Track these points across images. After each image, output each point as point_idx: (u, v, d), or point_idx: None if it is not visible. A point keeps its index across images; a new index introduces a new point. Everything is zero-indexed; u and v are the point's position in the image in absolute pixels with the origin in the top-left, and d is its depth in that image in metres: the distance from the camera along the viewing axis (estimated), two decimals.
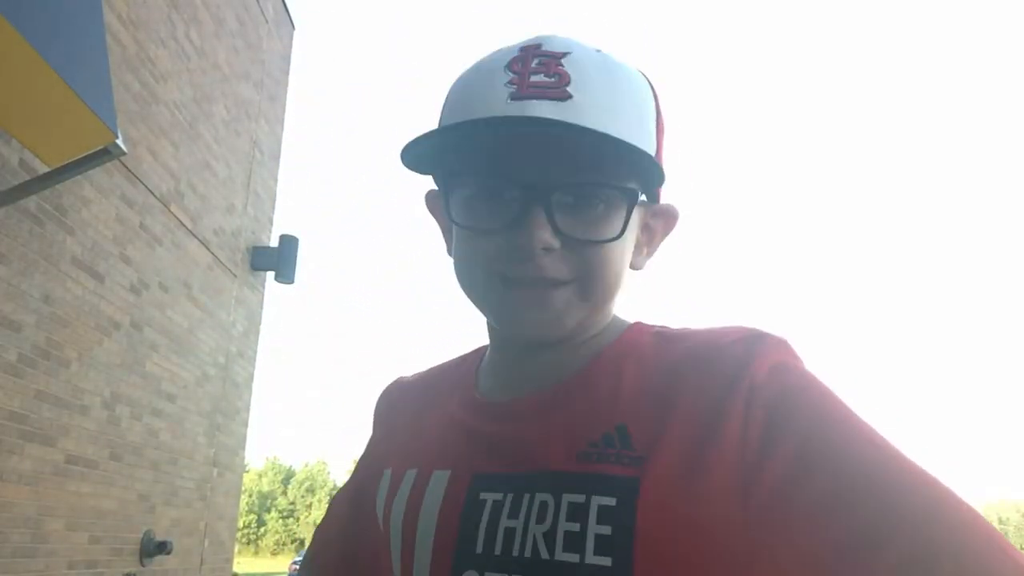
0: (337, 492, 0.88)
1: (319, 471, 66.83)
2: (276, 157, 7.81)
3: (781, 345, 0.63)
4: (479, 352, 0.80)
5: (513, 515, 0.61)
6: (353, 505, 0.83)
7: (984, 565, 0.49)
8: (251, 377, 7.20)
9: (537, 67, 0.63)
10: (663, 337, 0.68)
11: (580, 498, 0.58)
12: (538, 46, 0.64)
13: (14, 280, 3.69)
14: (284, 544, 63.30)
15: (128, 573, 4.82)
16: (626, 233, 0.64)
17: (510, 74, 0.63)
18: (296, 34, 8.37)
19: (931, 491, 0.53)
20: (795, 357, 0.63)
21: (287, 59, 8.13)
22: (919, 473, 0.54)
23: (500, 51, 0.67)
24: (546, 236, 0.62)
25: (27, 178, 3.66)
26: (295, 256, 7.28)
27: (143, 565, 5.01)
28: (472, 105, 0.63)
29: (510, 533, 0.61)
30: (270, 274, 7.44)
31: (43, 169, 3.65)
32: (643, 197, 0.67)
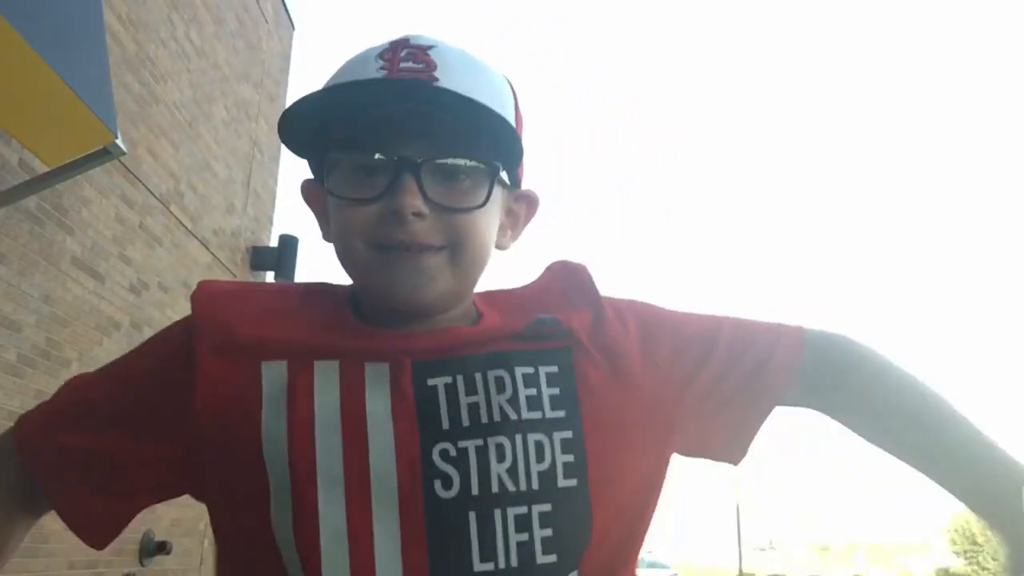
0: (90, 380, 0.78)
1: None
2: (276, 157, 7.81)
3: (584, 270, 0.81)
4: (342, 290, 0.77)
5: (471, 392, 0.68)
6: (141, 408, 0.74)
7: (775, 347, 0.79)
8: None
9: (406, 56, 0.68)
10: (517, 290, 0.81)
11: (530, 369, 0.69)
12: (406, 40, 0.70)
13: (14, 280, 3.69)
14: None
15: (128, 573, 4.82)
16: (489, 205, 0.70)
17: (381, 62, 0.68)
18: (296, 34, 8.37)
19: (742, 319, 0.81)
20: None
21: (287, 59, 8.13)
22: (729, 317, 0.82)
23: (370, 48, 0.71)
24: (417, 203, 0.66)
25: (27, 178, 3.66)
26: (295, 256, 7.28)
27: (143, 565, 5.01)
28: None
29: (474, 407, 0.67)
30: (270, 274, 7.44)
31: (43, 169, 3.65)
32: (504, 175, 0.72)
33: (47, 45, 2.86)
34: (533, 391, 0.68)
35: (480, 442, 0.66)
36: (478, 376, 0.68)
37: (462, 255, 0.70)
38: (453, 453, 0.65)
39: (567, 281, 0.79)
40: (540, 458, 0.67)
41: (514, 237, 0.78)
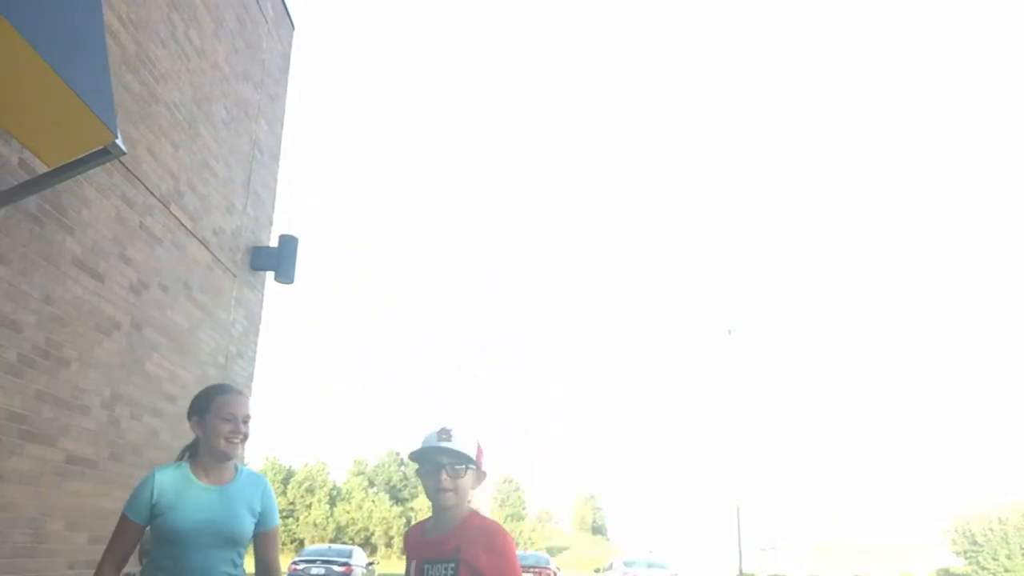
0: None
1: (319, 471, 66.63)
2: (276, 156, 7.80)
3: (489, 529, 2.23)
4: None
5: (434, 571, 2.18)
6: None
7: None
8: (251, 377, 7.20)
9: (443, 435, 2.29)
10: (473, 517, 2.26)
11: (449, 567, 2.15)
12: (448, 431, 2.27)
13: (14, 280, 3.69)
14: (284, 544, 63.27)
15: (128, 573, 4.81)
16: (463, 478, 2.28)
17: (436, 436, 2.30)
18: (296, 34, 8.37)
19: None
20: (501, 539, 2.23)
21: (287, 59, 8.13)
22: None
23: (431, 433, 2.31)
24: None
25: (27, 178, 3.66)
26: (295, 256, 7.27)
27: (143, 565, 5.01)
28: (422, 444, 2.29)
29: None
30: (270, 274, 7.43)
31: (43, 169, 3.65)
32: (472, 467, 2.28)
33: (47, 45, 2.86)
34: (447, 571, 2.14)
35: None
36: (439, 566, 2.15)
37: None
38: None
39: (473, 535, 2.17)
40: None
41: (476, 484, 2.35)
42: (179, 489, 2.56)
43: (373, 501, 64.70)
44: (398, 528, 62.54)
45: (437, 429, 2.26)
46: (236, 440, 2.65)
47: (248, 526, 2.58)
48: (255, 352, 7.29)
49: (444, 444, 2.20)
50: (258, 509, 2.63)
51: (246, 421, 2.69)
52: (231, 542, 2.54)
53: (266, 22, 7.39)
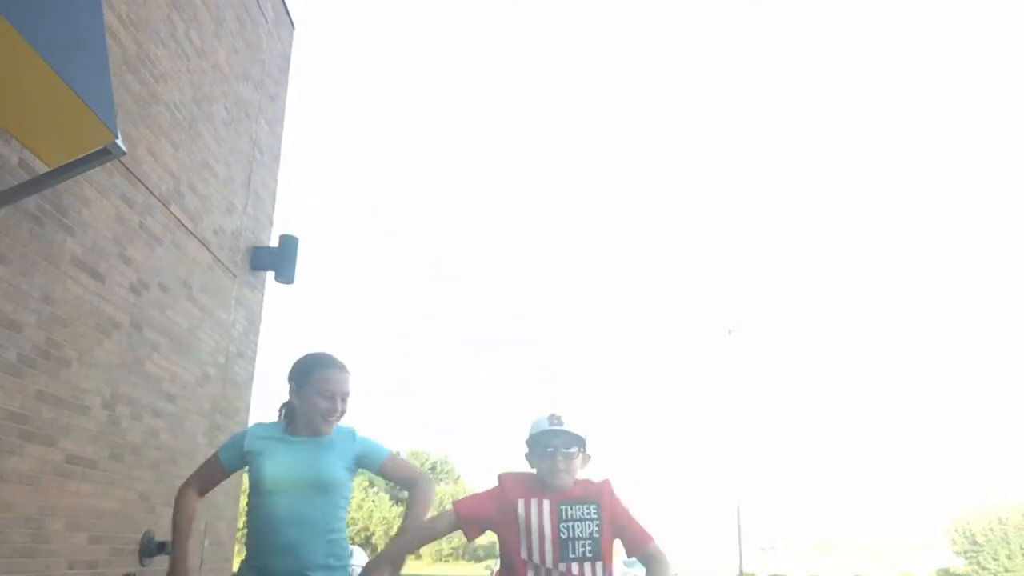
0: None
1: None
2: (276, 157, 7.80)
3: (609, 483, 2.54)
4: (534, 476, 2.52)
5: (572, 509, 2.43)
6: None
7: None
8: (251, 377, 7.20)
9: (555, 420, 2.48)
10: (587, 481, 2.52)
11: (591, 505, 2.44)
12: (559, 417, 2.47)
13: (14, 280, 3.69)
14: None
15: (128, 573, 4.82)
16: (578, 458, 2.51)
17: (547, 422, 2.49)
18: (296, 34, 8.37)
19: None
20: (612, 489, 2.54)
21: (287, 59, 8.13)
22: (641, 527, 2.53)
23: (541, 417, 2.53)
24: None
25: (27, 178, 3.66)
26: (295, 256, 7.27)
27: (143, 565, 5.01)
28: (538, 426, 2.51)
29: (571, 513, 2.41)
30: (270, 274, 7.43)
31: (43, 169, 3.65)
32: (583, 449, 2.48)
33: (47, 45, 2.85)
34: (589, 511, 2.41)
35: (570, 525, 2.39)
36: (579, 506, 2.41)
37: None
38: (566, 528, 2.39)
39: (597, 486, 2.48)
40: (590, 532, 2.39)
41: (583, 464, 2.54)
42: (271, 440, 2.63)
43: (373, 501, 64.66)
44: (398, 528, 62.65)
45: (547, 415, 2.43)
46: (332, 419, 2.63)
47: (338, 473, 2.59)
48: (255, 352, 7.29)
49: (556, 428, 2.40)
50: (353, 457, 2.66)
51: (344, 398, 2.66)
52: (321, 489, 2.55)
53: (266, 22, 7.39)
